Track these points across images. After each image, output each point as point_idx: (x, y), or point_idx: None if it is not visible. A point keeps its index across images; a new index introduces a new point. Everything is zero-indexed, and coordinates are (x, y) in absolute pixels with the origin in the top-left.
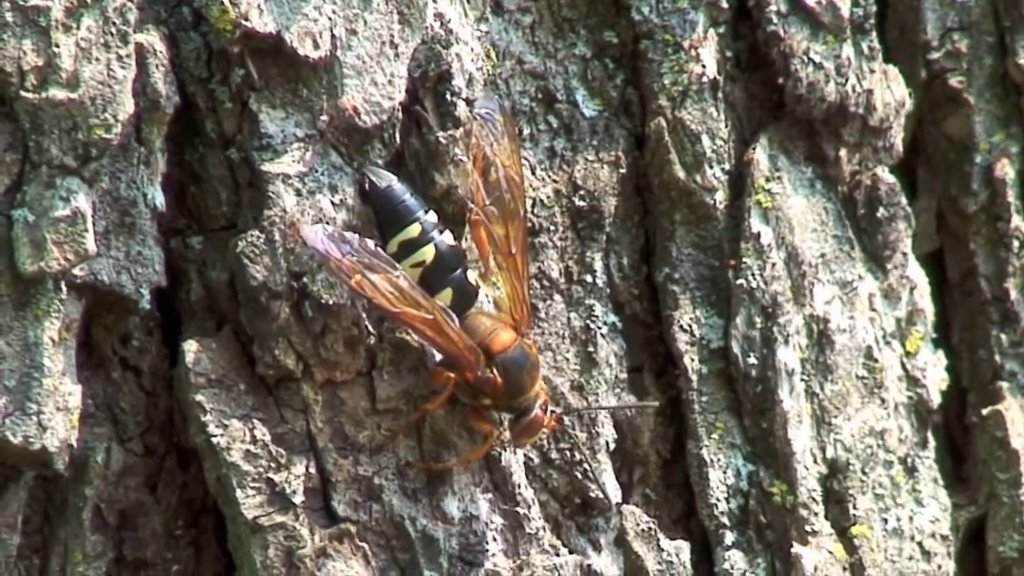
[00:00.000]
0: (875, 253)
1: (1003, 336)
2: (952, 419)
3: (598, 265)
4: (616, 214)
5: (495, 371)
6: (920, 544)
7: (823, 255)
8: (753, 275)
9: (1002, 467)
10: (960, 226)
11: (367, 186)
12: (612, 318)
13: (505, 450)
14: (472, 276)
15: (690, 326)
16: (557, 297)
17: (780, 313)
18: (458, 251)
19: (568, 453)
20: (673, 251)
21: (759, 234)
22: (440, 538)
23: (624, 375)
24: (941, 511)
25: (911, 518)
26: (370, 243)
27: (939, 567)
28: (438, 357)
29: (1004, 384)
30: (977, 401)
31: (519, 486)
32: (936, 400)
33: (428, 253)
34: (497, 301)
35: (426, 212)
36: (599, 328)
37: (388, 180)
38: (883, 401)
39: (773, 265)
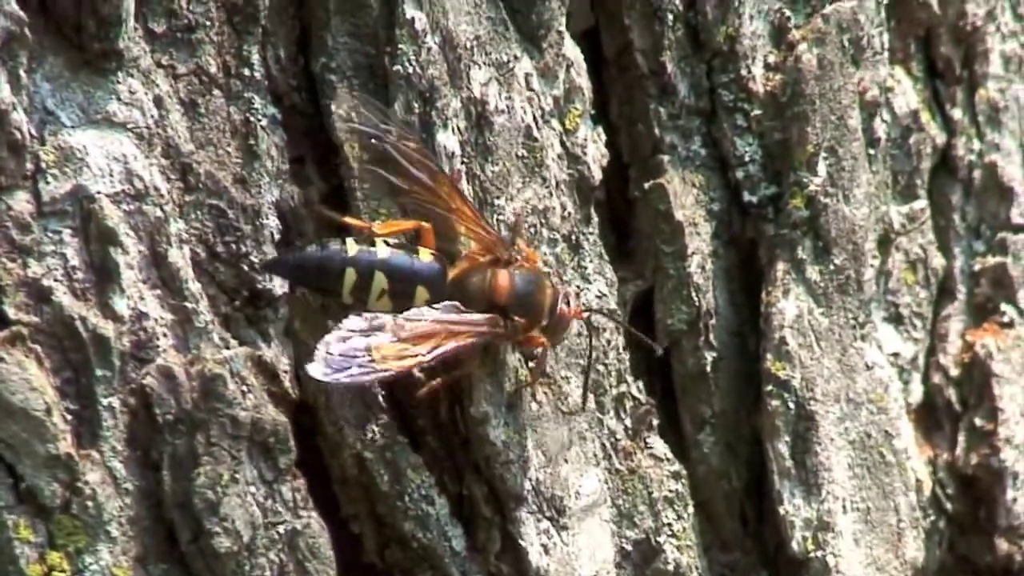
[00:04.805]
0: (530, 33)
1: (661, 110)
2: (615, 194)
3: (255, 58)
4: (271, 6)
5: (516, 318)
6: (588, 320)
7: (478, 37)
8: (409, 61)
9: (667, 240)
10: (613, 2)
11: (281, 272)
12: (271, 110)
13: (172, 246)
14: (426, 253)
15: (348, 114)
16: (216, 92)
17: (438, 97)
18: (397, 249)
19: (234, 246)
20: (329, 40)
21: (413, 20)
22: (111, 336)
23: (286, 166)
24: (608, 286)
25: (578, 295)
26: (360, 322)
27: (608, 342)
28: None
29: (665, 157)
30: (639, 175)
31: (187, 281)
32: (597, 176)
33: (381, 281)
34: (467, 247)
35: (342, 244)
36: (259, 121)
37: (286, 254)
38: (544, 180)
39: (428, 50)
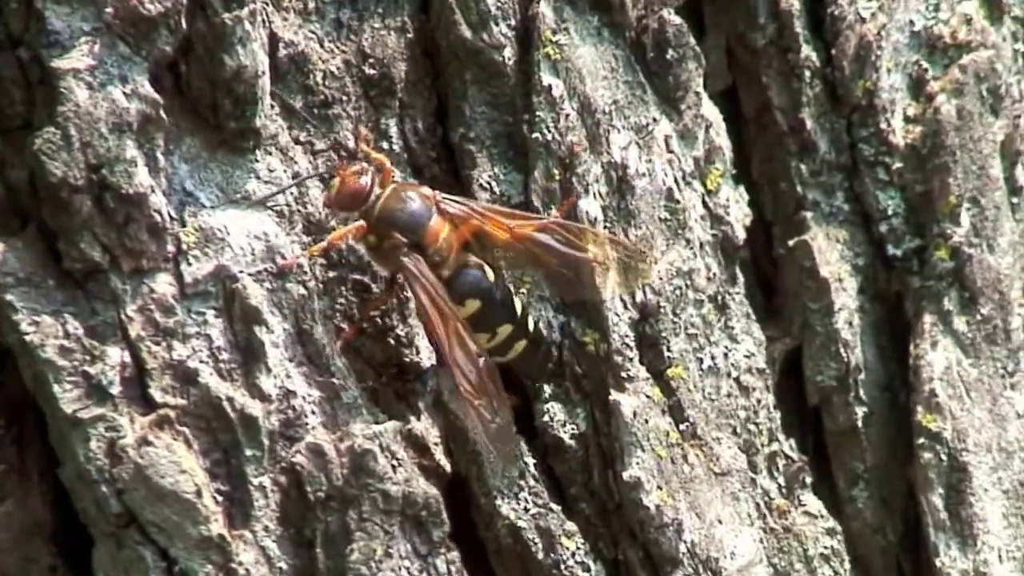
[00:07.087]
0: (668, 95)
1: (802, 166)
2: (759, 253)
3: (393, 131)
4: (407, 79)
5: None
6: (737, 380)
7: (616, 102)
8: (548, 128)
9: (813, 297)
10: (750, 61)
11: None
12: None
13: (316, 323)
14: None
15: (490, 183)
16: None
17: (578, 163)
18: None
19: (379, 320)
20: (466, 111)
21: (550, 87)
22: (259, 416)
23: None
24: (756, 345)
25: (726, 355)
26: None
27: (758, 401)
28: None
29: (808, 214)
30: (782, 233)
31: (333, 357)
32: (741, 235)
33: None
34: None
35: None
36: None
37: None
38: (688, 241)
39: (567, 116)
